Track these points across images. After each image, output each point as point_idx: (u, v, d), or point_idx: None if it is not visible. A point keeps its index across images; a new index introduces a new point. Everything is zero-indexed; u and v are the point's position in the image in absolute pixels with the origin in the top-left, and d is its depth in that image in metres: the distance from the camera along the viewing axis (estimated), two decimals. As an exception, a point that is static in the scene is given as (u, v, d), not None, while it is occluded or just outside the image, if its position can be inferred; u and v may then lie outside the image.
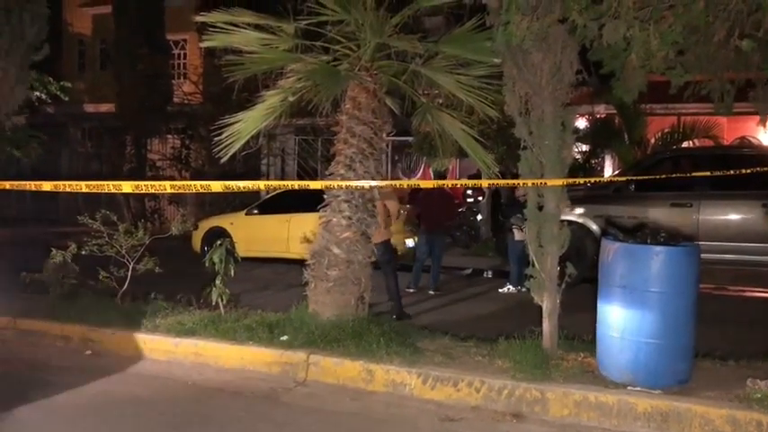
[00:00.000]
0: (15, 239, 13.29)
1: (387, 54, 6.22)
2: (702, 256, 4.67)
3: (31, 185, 4.79)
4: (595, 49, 4.64)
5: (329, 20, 6.10)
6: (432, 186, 9.91)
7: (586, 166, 14.14)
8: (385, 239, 7.31)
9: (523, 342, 5.13)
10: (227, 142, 6.12)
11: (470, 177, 14.10)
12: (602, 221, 8.99)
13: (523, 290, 7.65)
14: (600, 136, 13.73)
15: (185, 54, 20.64)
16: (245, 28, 6.19)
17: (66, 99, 9.85)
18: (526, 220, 5.15)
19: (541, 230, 5.03)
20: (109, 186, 4.57)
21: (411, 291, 8.89)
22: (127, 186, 4.77)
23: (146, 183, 5.04)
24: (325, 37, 6.22)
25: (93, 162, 21.05)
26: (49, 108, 14.80)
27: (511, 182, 6.76)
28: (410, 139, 14.59)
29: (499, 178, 7.10)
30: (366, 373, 5.09)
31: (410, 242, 10.90)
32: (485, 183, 9.88)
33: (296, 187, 12.66)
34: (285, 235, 11.09)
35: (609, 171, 14.86)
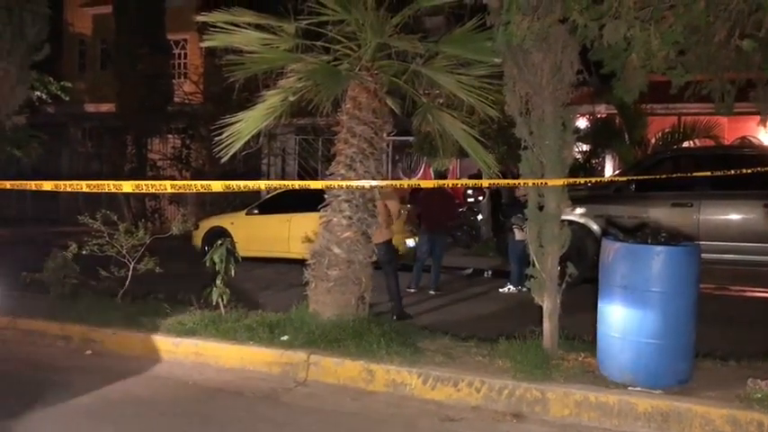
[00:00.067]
0: (16, 239, 13.31)
1: (387, 54, 6.22)
2: (703, 256, 4.67)
3: (31, 185, 4.80)
4: (596, 48, 4.64)
5: (330, 20, 6.10)
6: (432, 186, 9.91)
7: (587, 166, 14.14)
8: (386, 239, 7.31)
9: (524, 342, 5.13)
10: (228, 142, 6.13)
11: (471, 177, 14.10)
12: (603, 221, 8.99)
13: (524, 290, 7.66)
14: (600, 136, 13.74)
15: (186, 54, 20.65)
16: (246, 28, 6.19)
17: (67, 99, 9.85)
18: (527, 219, 5.15)
19: (542, 230, 5.03)
20: (109, 186, 4.57)
21: (412, 291, 8.89)
22: (127, 186, 4.77)
23: (146, 182, 5.04)
24: (325, 37, 6.22)
25: (94, 162, 21.05)
26: (49, 108, 14.81)
27: (511, 182, 6.75)
28: (411, 138, 14.60)
29: (500, 178, 7.10)
30: (366, 373, 5.09)
31: (411, 242, 10.90)
32: (485, 183, 9.88)
33: (296, 187, 12.67)
34: (286, 235, 11.09)
35: (609, 171, 14.86)
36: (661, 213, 8.79)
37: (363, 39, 6.05)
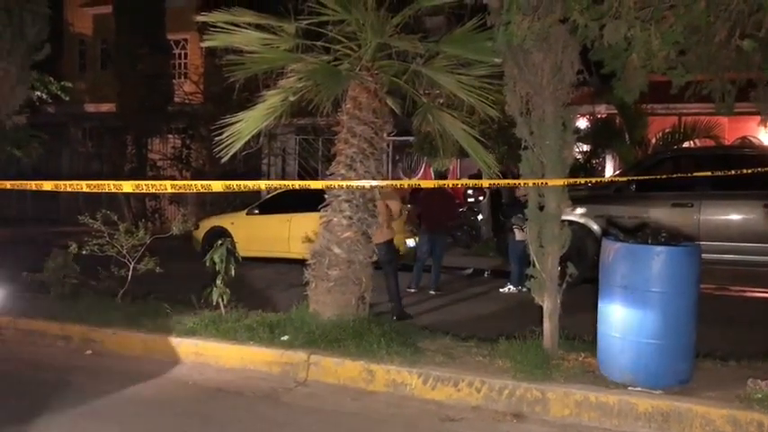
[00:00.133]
0: (16, 239, 13.30)
1: (388, 54, 6.22)
2: (703, 256, 4.67)
3: (31, 185, 4.80)
4: (596, 48, 4.63)
5: (330, 20, 6.10)
6: (432, 186, 9.91)
7: (587, 166, 14.14)
8: (388, 239, 7.31)
9: (524, 342, 5.13)
10: (228, 142, 6.13)
11: (471, 177, 14.10)
12: (603, 221, 8.99)
13: (524, 290, 7.65)
14: (601, 136, 13.74)
15: (186, 54, 20.65)
16: (246, 28, 6.19)
17: (67, 99, 9.84)
18: (527, 220, 5.15)
19: (542, 230, 5.03)
20: (109, 186, 4.57)
21: (412, 291, 8.89)
22: (127, 186, 4.77)
23: (146, 182, 5.05)
24: (325, 37, 6.22)
25: (94, 162, 21.05)
26: (49, 108, 14.81)
27: (512, 182, 6.75)
28: (411, 138, 14.59)
29: (500, 178, 7.10)
30: (367, 373, 5.09)
31: (411, 242, 10.90)
32: (485, 183, 9.88)
33: (297, 187, 12.67)
34: (286, 235, 11.08)
35: (610, 171, 14.86)
36: (661, 213, 8.79)
37: (364, 39, 6.05)
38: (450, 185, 12.70)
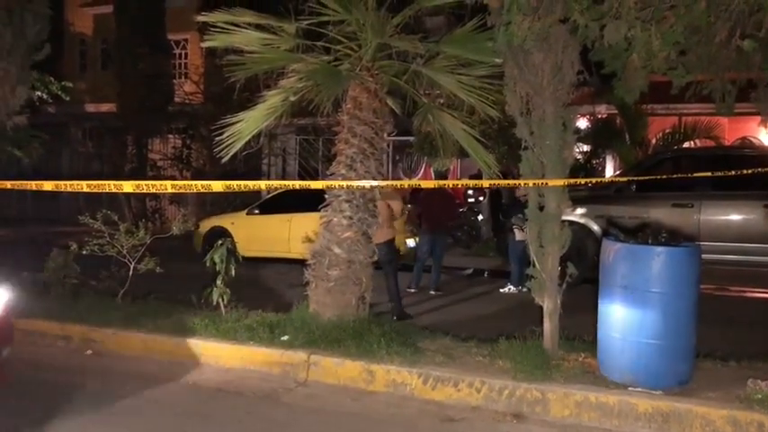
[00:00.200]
0: (16, 239, 13.30)
1: (388, 54, 6.22)
2: (703, 256, 4.67)
3: (32, 185, 4.80)
4: (597, 49, 4.63)
5: (330, 20, 6.10)
6: (433, 186, 9.90)
7: (587, 167, 14.14)
8: (389, 239, 7.31)
9: (524, 342, 5.13)
10: (229, 142, 6.13)
11: (471, 177, 14.09)
12: (604, 222, 8.98)
13: (524, 290, 7.65)
14: (601, 136, 13.74)
15: (186, 54, 20.65)
16: (247, 28, 6.19)
17: (68, 99, 9.84)
18: (527, 220, 5.15)
19: (542, 231, 5.03)
20: (110, 186, 4.57)
21: (412, 291, 8.89)
22: (128, 186, 4.78)
23: (147, 182, 5.05)
24: (326, 37, 6.22)
25: (95, 162, 21.05)
26: (50, 108, 14.82)
27: (512, 182, 6.75)
28: (411, 139, 14.60)
29: (500, 178, 7.10)
30: (367, 373, 5.09)
31: (411, 242, 10.90)
32: (486, 183, 9.88)
33: (297, 187, 12.66)
34: (286, 235, 11.08)
35: (610, 171, 14.86)
36: (662, 214, 8.78)
37: (364, 39, 6.06)
38: (451, 185, 12.71)
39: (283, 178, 18.94)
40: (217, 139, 6.19)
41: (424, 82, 6.33)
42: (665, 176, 8.03)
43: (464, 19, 6.04)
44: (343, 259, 5.99)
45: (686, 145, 13.02)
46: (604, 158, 15.00)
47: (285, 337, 5.69)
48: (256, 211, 12.02)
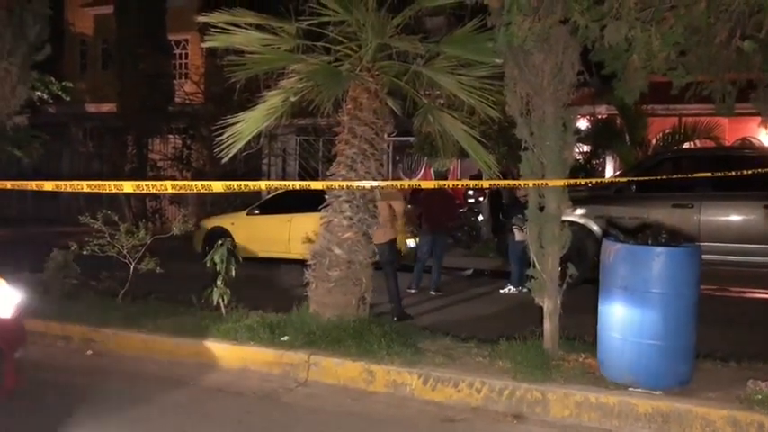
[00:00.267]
0: (16, 239, 13.31)
1: (388, 55, 6.22)
2: (703, 257, 4.67)
3: (32, 185, 4.81)
4: (597, 49, 4.64)
5: (331, 20, 6.10)
6: (433, 187, 9.90)
7: (588, 167, 14.13)
8: (391, 239, 7.31)
9: (524, 343, 5.14)
10: (229, 142, 6.13)
11: (472, 178, 14.09)
12: (604, 222, 8.98)
13: (524, 290, 7.66)
14: (601, 137, 13.73)
15: (187, 54, 20.66)
16: (247, 28, 6.20)
17: (68, 99, 9.84)
18: (527, 220, 5.15)
19: (542, 231, 5.03)
20: (110, 186, 4.58)
21: (412, 291, 8.89)
22: (128, 186, 4.78)
23: (147, 183, 5.05)
24: (326, 37, 6.23)
25: (95, 162, 21.06)
26: (50, 108, 14.80)
27: (512, 182, 6.75)
28: (411, 139, 14.60)
29: (500, 179, 7.10)
30: (367, 373, 5.09)
31: (411, 243, 10.89)
32: (486, 183, 9.88)
33: (297, 187, 12.66)
34: (286, 235, 11.08)
35: (610, 172, 14.86)
36: (662, 214, 8.78)
37: (364, 39, 6.06)
38: (451, 186, 12.71)
39: (283, 179, 18.94)
40: (217, 139, 6.19)
41: (425, 82, 6.33)
42: (665, 177, 8.03)
43: (464, 19, 6.05)
44: (343, 260, 5.99)
45: (686, 145, 13.02)
46: (604, 159, 14.99)
47: (285, 338, 5.69)
48: (256, 212, 12.02)
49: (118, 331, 6.12)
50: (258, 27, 6.23)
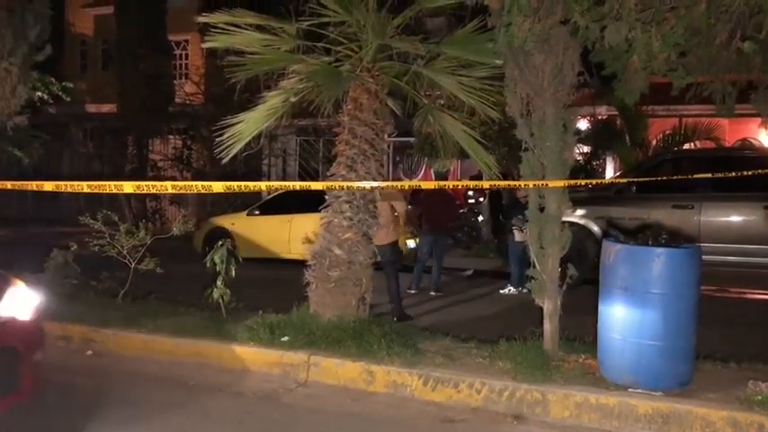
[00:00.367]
0: (17, 239, 13.30)
1: (388, 55, 6.22)
2: (704, 257, 4.67)
3: (32, 185, 4.80)
4: (597, 50, 4.64)
5: (331, 21, 6.10)
6: (433, 187, 9.90)
7: (588, 168, 14.13)
8: (393, 240, 7.31)
9: (524, 343, 5.13)
10: (229, 143, 6.13)
11: (472, 178, 14.09)
12: (604, 223, 8.98)
13: (524, 291, 7.65)
14: (601, 137, 13.73)
15: (187, 54, 20.66)
16: (247, 29, 6.20)
17: (68, 99, 9.84)
18: (527, 221, 5.15)
19: (543, 232, 5.03)
20: (110, 187, 4.58)
21: (412, 292, 8.89)
22: (128, 187, 4.78)
23: (147, 183, 5.04)
24: (326, 38, 6.23)
25: (95, 162, 21.05)
26: (50, 108, 14.79)
27: (512, 183, 6.75)
28: (412, 140, 14.60)
29: (500, 179, 7.10)
30: (367, 374, 5.09)
31: (412, 243, 10.89)
32: (486, 184, 9.88)
33: (297, 188, 12.67)
34: (286, 236, 11.08)
35: (610, 173, 14.86)
36: (662, 215, 8.78)
37: (364, 40, 6.06)
38: (451, 186, 12.70)
39: (284, 179, 18.94)
40: (217, 139, 6.19)
41: (425, 83, 6.33)
42: (665, 178, 8.03)
43: (465, 20, 6.04)
44: (343, 260, 5.99)
45: (686, 146, 13.02)
46: (605, 160, 14.99)
47: (285, 338, 5.69)
48: (257, 212, 12.03)
49: (118, 331, 6.12)
50: (258, 27, 6.23)
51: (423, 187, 12.01)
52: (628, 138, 13.47)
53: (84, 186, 4.50)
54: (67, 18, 22.04)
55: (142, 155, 18.51)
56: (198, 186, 5.64)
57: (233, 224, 11.97)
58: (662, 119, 13.79)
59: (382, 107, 6.17)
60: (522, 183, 5.20)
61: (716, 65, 4.60)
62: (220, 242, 6.49)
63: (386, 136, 6.31)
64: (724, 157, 9.58)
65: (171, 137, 18.78)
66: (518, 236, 8.69)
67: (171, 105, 18.26)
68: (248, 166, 16.63)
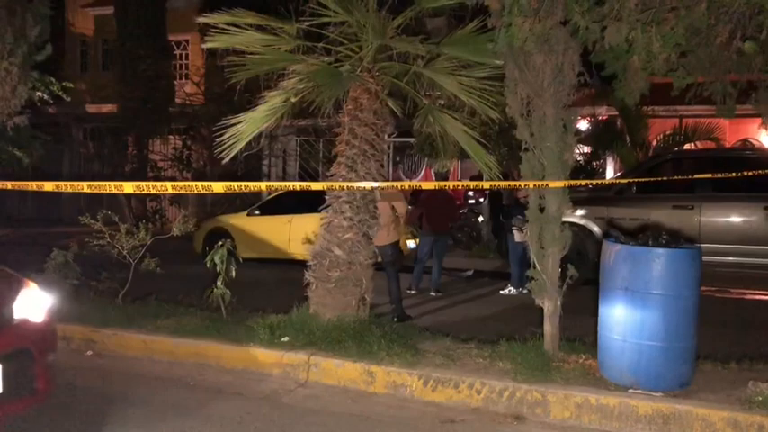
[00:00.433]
0: (16, 239, 13.31)
1: (389, 55, 6.22)
2: (704, 258, 4.66)
3: (32, 185, 4.80)
4: (597, 51, 4.64)
5: (331, 21, 6.10)
6: (433, 188, 9.90)
7: (588, 168, 14.14)
8: (394, 241, 7.31)
9: (525, 344, 5.14)
10: (229, 143, 6.12)
11: (472, 179, 14.09)
12: (604, 223, 8.99)
13: (525, 291, 7.65)
14: (602, 138, 13.74)
15: (187, 55, 20.65)
16: (248, 29, 6.19)
17: (68, 99, 9.84)
18: (527, 221, 5.15)
19: (543, 232, 5.03)
20: (110, 187, 4.58)
21: (412, 292, 8.89)
22: (128, 187, 4.78)
23: (147, 183, 5.04)
24: (327, 38, 6.22)
25: (95, 162, 21.05)
26: (50, 108, 14.81)
27: (512, 183, 6.75)
28: (412, 140, 14.59)
29: (500, 180, 7.10)
30: (367, 374, 5.09)
31: (412, 244, 10.90)
32: (486, 184, 9.87)
33: (297, 188, 12.66)
34: (286, 236, 11.09)
35: (610, 173, 14.86)
36: (662, 215, 8.78)
37: (365, 40, 6.06)
38: (451, 187, 12.70)
39: (284, 179, 18.93)
40: (217, 140, 6.18)
41: (425, 83, 6.32)
42: (665, 178, 8.03)
43: (465, 20, 6.04)
44: (343, 260, 5.99)
45: (687, 147, 13.03)
46: (605, 160, 14.99)
47: (285, 338, 5.69)
48: (257, 213, 12.03)
49: (118, 332, 6.12)
50: (258, 28, 6.23)
51: (423, 188, 12.01)
52: (628, 138, 13.48)
53: (84, 186, 4.50)
54: (67, 18, 22.04)
55: (142, 155, 18.52)
56: (198, 187, 5.63)
57: (233, 224, 11.97)
58: (662, 119, 13.80)
59: (382, 107, 6.16)
60: (522, 183, 5.20)
61: (716, 65, 4.61)
62: (220, 242, 6.49)
63: (386, 136, 6.31)
64: (724, 158, 9.57)
65: (171, 137, 18.78)
66: (518, 236, 8.69)
67: (171, 106, 18.26)
68: (248, 166, 16.64)
